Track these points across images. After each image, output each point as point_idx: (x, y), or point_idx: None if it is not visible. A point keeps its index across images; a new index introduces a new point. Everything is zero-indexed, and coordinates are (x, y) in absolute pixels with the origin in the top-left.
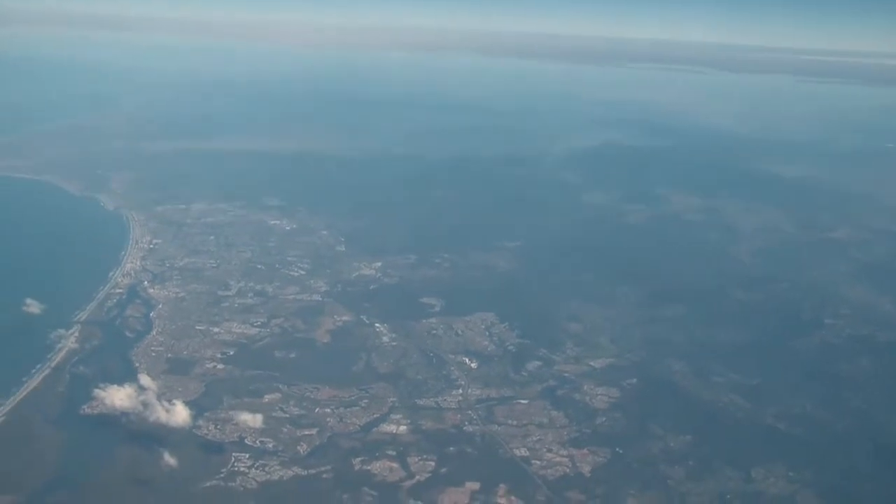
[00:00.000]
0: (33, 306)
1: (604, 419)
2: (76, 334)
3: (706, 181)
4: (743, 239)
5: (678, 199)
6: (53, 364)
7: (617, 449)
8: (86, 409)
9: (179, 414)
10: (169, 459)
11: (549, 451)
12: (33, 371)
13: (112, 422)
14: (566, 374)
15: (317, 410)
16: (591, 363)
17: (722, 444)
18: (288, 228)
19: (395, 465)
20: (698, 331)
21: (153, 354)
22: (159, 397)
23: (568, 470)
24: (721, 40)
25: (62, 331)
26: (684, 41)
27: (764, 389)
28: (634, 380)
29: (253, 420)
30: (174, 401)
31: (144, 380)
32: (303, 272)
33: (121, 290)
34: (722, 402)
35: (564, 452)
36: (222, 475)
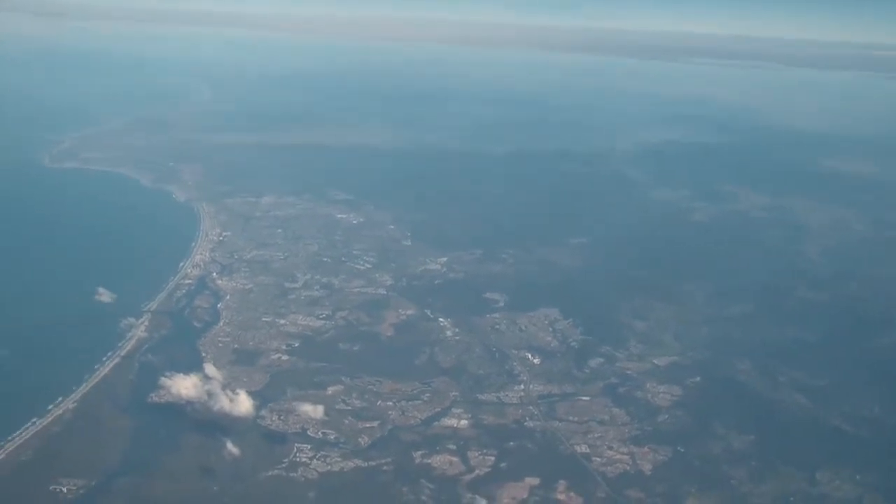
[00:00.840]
0: (105, 295)
1: (666, 417)
2: (146, 323)
3: (774, 179)
4: (812, 237)
5: (745, 197)
6: (123, 352)
7: (678, 447)
8: (153, 398)
9: (243, 404)
10: (232, 448)
11: (610, 448)
12: (104, 359)
13: (178, 410)
14: (629, 372)
15: (379, 403)
16: (655, 361)
17: (786, 444)
18: (355, 222)
19: (455, 458)
20: (764, 329)
21: (220, 345)
22: (224, 387)
23: (628, 467)
24: (789, 35)
25: (132, 319)
26: (750, 36)
27: (831, 390)
28: (698, 378)
29: (315, 411)
30: (238, 391)
31: (210, 369)
32: (369, 266)
33: (190, 281)
34: (787, 402)
35: (625, 450)
36: (284, 465)
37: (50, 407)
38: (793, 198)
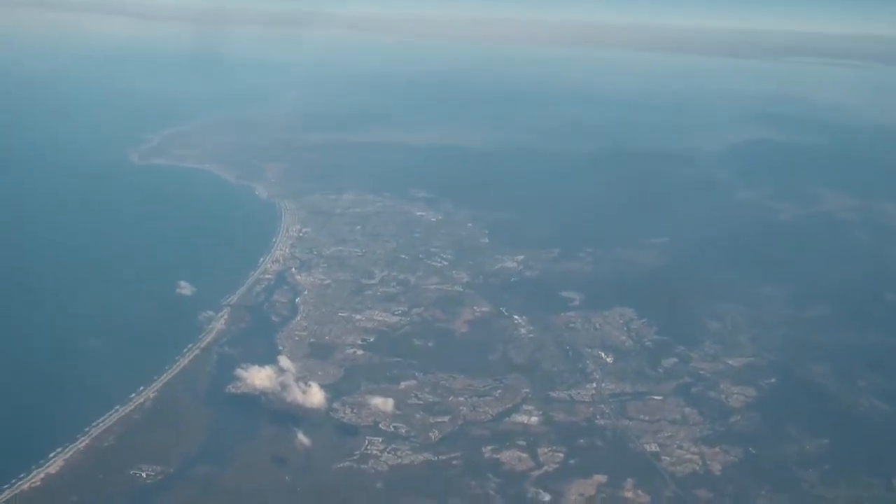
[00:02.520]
0: (186, 289)
1: (738, 418)
2: (225, 317)
3: (863, 180)
4: None
5: (832, 198)
6: (203, 344)
7: (750, 449)
8: (230, 389)
9: (315, 396)
10: (304, 440)
11: (680, 447)
12: (184, 350)
13: (253, 401)
14: (702, 372)
15: (450, 398)
16: (730, 361)
17: (862, 449)
18: (433, 220)
19: (524, 455)
20: (844, 333)
21: (296, 339)
22: (297, 379)
23: (698, 467)
24: (885, 32)
25: (211, 313)
26: (843, 34)
27: None
28: (773, 380)
29: (388, 405)
30: (310, 383)
31: (284, 362)
32: (445, 263)
33: (270, 276)
34: (864, 406)
35: (695, 450)
36: (355, 457)
37: (132, 395)
38: (882, 200)
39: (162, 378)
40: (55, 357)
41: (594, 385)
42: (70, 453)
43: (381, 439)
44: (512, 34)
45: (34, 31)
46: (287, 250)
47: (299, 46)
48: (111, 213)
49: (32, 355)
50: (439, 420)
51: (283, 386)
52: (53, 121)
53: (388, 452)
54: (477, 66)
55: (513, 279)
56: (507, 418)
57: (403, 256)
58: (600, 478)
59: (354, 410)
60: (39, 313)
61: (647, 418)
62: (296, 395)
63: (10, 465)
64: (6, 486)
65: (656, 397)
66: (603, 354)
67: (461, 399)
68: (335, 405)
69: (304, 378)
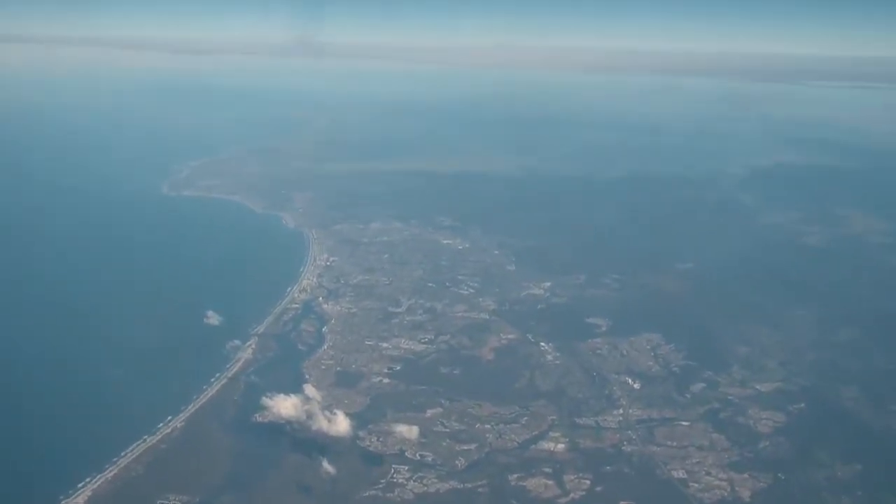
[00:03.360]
0: (213, 318)
1: (767, 444)
2: (253, 346)
3: (893, 203)
4: None
5: (861, 221)
6: (230, 374)
7: (779, 475)
8: (257, 418)
9: (340, 424)
10: (330, 468)
11: (708, 474)
12: (212, 380)
13: (279, 430)
14: (731, 397)
15: (477, 426)
16: (758, 386)
17: (895, 475)
18: (460, 247)
19: (550, 482)
20: (875, 357)
21: (323, 367)
22: (323, 408)
23: (726, 494)
24: None
25: (238, 342)
26: (866, 56)
27: None
28: (802, 405)
29: (414, 433)
30: (336, 411)
31: (310, 391)
32: (472, 290)
33: (297, 306)
34: None
35: (724, 476)
36: (381, 486)
37: (160, 425)
38: None
39: (189, 408)
40: (84, 386)
41: (621, 411)
42: (98, 483)
43: (407, 467)
44: (534, 60)
45: (68, 68)
46: (314, 279)
47: (325, 77)
48: (141, 243)
49: (61, 385)
50: (465, 448)
51: (309, 414)
52: (88, 153)
53: (414, 481)
54: (500, 92)
55: (539, 306)
56: (533, 445)
57: (430, 284)
58: None
59: (380, 439)
60: (68, 342)
61: (674, 444)
62: (321, 423)
63: (38, 495)
64: None
65: (684, 423)
66: (630, 380)
67: (487, 426)
68: (361, 433)
69: (329, 406)
